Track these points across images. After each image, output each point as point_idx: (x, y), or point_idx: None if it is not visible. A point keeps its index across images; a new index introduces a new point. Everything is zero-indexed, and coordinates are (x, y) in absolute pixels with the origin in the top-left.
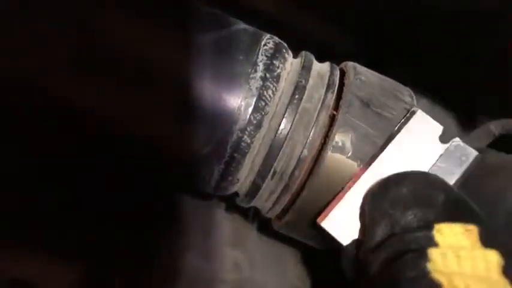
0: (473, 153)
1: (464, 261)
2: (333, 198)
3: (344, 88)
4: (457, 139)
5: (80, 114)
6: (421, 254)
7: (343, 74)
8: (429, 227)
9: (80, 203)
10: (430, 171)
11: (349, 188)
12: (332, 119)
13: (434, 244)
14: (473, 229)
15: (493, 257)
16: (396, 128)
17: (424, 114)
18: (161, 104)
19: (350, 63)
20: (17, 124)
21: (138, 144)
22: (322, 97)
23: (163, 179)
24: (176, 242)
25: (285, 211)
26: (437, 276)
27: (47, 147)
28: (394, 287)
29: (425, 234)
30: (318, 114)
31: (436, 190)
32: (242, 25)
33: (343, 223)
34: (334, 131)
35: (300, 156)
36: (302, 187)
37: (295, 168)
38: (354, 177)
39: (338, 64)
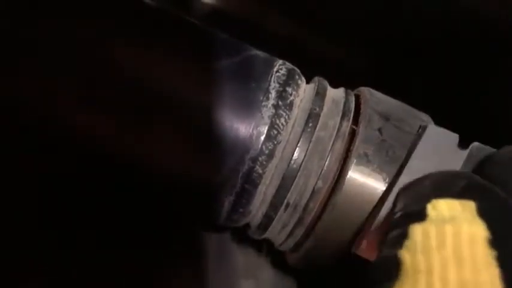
0: (494, 152)
1: (447, 236)
2: (366, 222)
3: (362, 106)
4: (476, 143)
5: (90, 142)
6: (403, 231)
7: (358, 98)
8: (425, 203)
9: (86, 233)
10: None
11: (380, 209)
12: (352, 134)
13: (422, 219)
14: (471, 204)
15: (480, 231)
16: (411, 144)
17: (436, 126)
18: (170, 133)
19: (364, 88)
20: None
21: (148, 173)
22: (337, 125)
23: (173, 209)
24: (187, 273)
25: (298, 245)
26: (404, 254)
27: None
28: (375, 267)
29: (417, 209)
30: (333, 143)
31: (458, 178)
32: (254, 51)
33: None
34: (357, 144)
35: (314, 187)
36: (317, 219)
37: (309, 201)
38: (381, 199)
39: (348, 87)
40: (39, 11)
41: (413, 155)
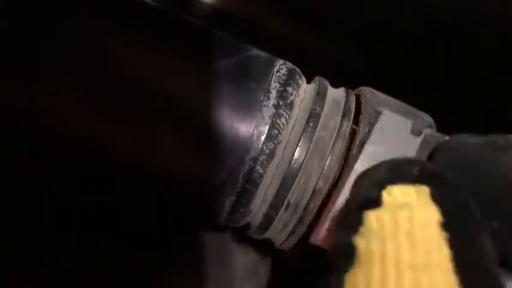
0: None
1: (400, 222)
2: (323, 211)
3: (362, 105)
4: (428, 130)
5: (90, 142)
6: (358, 218)
7: (358, 98)
8: (380, 189)
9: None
10: None
11: (337, 197)
12: (353, 134)
13: (378, 205)
14: (425, 189)
15: (434, 215)
16: (367, 130)
17: (391, 112)
18: (170, 133)
19: (365, 88)
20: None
21: (148, 173)
22: (338, 125)
23: (173, 209)
24: (187, 273)
25: (299, 244)
26: (358, 240)
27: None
28: (330, 254)
29: (373, 196)
30: (333, 143)
31: (412, 165)
32: (254, 51)
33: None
34: (357, 143)
35: (315, 187)
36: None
37: (310, 200)
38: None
39: (349, 87)
40: (39, 11)
41: (368, 141)
